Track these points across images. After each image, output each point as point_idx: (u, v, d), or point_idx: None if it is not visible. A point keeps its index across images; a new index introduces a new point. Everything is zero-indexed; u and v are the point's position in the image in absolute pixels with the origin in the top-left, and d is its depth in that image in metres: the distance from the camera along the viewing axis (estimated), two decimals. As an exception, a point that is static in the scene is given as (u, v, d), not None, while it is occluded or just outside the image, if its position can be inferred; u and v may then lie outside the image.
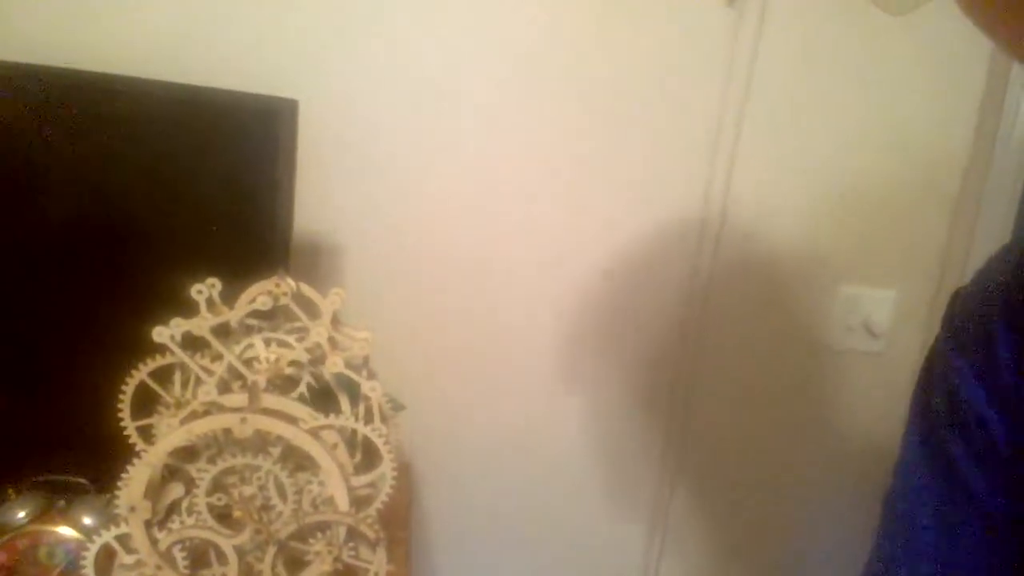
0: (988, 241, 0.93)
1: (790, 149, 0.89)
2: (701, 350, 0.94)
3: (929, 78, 0.88)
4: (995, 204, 0.91)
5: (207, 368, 0.53)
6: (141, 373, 0.57)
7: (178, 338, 0.53)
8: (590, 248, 0.89)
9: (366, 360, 0.57)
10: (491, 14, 0.79)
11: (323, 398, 0.58)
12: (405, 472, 0.90)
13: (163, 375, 0.58)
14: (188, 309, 0.55)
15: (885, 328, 0.95)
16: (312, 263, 0.81)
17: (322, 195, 0.79)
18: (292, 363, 0.54)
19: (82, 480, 0.66)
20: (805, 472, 1.01)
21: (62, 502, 0.65)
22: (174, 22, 0.72)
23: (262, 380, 0.51)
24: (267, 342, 0.54)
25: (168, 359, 0.57)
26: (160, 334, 0.53)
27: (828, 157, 0.89)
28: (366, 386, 0.54)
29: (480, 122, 0.82)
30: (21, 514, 0.63)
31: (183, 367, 0.55)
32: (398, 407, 0.67)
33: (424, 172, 0.82)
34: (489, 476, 0.96)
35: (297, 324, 0.56)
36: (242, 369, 0.52)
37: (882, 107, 0.88)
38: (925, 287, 0.95)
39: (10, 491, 0.65)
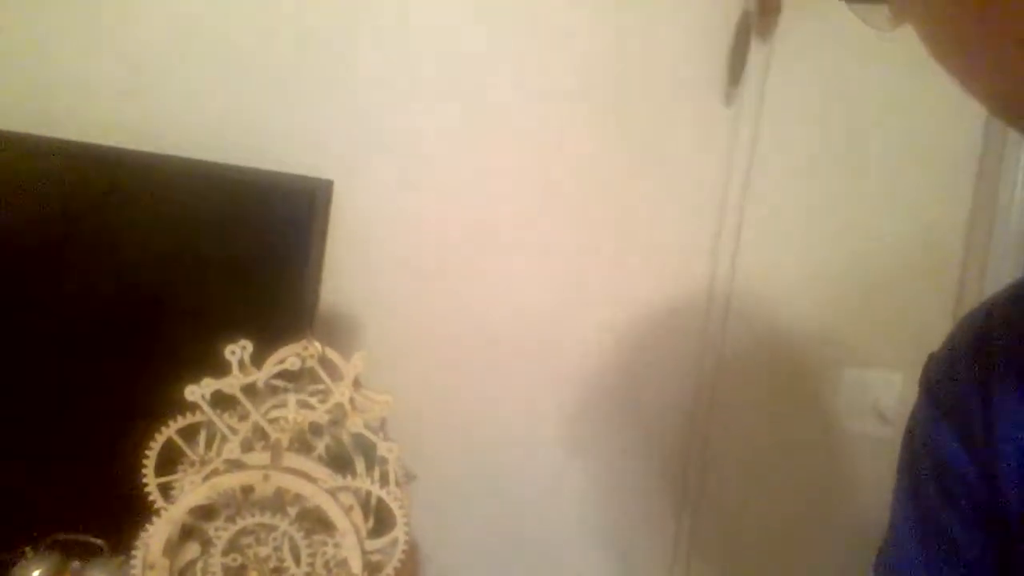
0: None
1: (792, 234, 0.93)
2: (710, 434, 0.95)
3: (923, 159, 0.93)
4: (999, 283, 0.93)
5: (233, 427, 0.56)
6: (170, 430, 0.59)
7: (208, 397, 0.56)
8: (597, 328, 0.91)
9: (384, 423, 0.59)
10: (511, 103, 0.86)
11: (338, 462, 0.60)
12: (413, 549, 0.89)
13: (184, 435, 0.60)
14: (215, 372, 0.58)
15: (893, 411, 0.96)
16: (334, 334, 0.84)
17: (346, 268, 0.83)
18: (312, 424, 0.57)
19: (97, 541, 0.67)
20: (819, 557, 0.98)
21: (77, 563, 0.65)
22: (214, 105, 0.78)
23: (285, 439, 0.54)
24: (288, 402, 0.56)
25: (197, 418, 0.59)
26: (192, 392, 0.56)
27: (830, 241, 0.94)
28: (383, 447, 0.56)
29: (496, 202, 0.87)
30: (36, 574, 0.63)
31: (208, 426, 0.58)
32: (410, 476, 0.69)
33: (441, 251, 0.87)
34: (494, 555, 0.94)
35: (320, 386, 0.59)
36: (267, 428, 0.54)
37: (879, 191, 0.93)
38: (932, 370, 0.96)
39: (27, 551, 0.66)
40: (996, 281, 0.95)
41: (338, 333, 0.85)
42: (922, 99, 0.92)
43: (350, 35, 0.81)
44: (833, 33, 0.90)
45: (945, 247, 0.95)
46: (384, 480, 0.56)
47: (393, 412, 0.58)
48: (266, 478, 0.51)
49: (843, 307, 0.95)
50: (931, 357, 0.42)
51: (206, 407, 0.55)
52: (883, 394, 0.96)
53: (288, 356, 0.57)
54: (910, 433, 0.42)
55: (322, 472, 0.54)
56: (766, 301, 0.94)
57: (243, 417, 0.56)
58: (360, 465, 0.58)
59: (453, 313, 0.88)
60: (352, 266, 0.84)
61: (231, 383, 0.54)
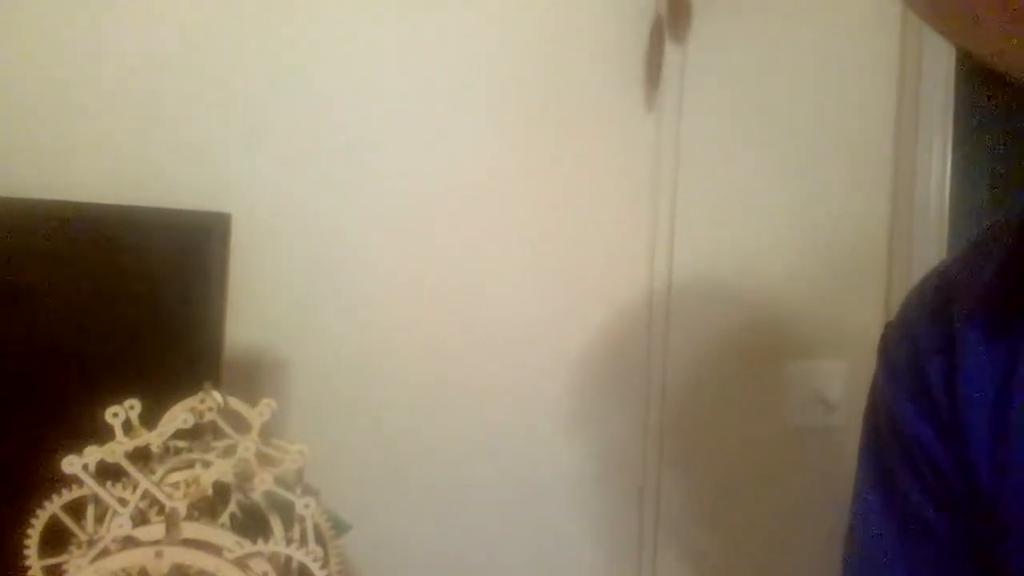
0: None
1: (724, 234, 0.92)
2: (664, 440, 0.92)
3: (841, 152, 0.94)
4: (924, 265, 0.95)
5: (124, 498, 0.49)
6: (54, 506, 0.52)
7: (92, 467, 0.49)
8: (537, 340, 0.88)
9: (300, 475, 0.53)
10: (426, 116, 0.82)
11: (258, 522, 0.54)
12: (361, 599, 0.83)
13: (77, 510, 0.53)
14: (108, 436, 0.52)
15: (838, 399, 0.95)
16: (253, 379, 0.78)
17: (261, 309, 0.77)
18: (219, 485, 0.50)
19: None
20: (779, 541, 0.97)
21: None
22: (102, 140, 0.72)
23: (182, 507, 0.47)
24: (190, 463, 0.50)
25: (84, 491, 0.52)
26: (71, 464, 0.49)
27: (760, 238, 0.93)
28: (299, 504, 0.50)
29: (416, 219, 0.83)
30: None
31: (97, 499, 0.51)
32: (343, 527, 0.63)
33: (362, 282, 0.82)
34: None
35: (225, 442, 0.53)
36: (160, 496, 0.48)
37: (802, 187, 0.93)
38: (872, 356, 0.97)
39: None
40: (922, 262, 0.96)
41: (257, 380, 0.78)
42: (833, 91, 0.93)
43: (244, 61, 0.75)
44: (745, 30, 0.90)
45: (871, 234, 0.96)
46: (303, 540, 0.51)
47: (310, 463, 0.53)
48: (159, 555, 0.45)
49: (780, 301, 0.94)
50: (888, 326, 0.41)
51: (88, 479, 0.48)
52: (827, 383, 0.96)
53: (181, 413, 0.50)
54: (872, 406, 0.41)
55: (228, 539, 0.48)
56: (705, 300, 0.93)
57: (134, 486, 0.49)
58: (277, 525, 0.52)
59: (379, 344, 0.83)
60: (264, 303, 0.78)
61: (114, 450, 0.48)
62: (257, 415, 0.51)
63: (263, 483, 0.49)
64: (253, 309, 0.75)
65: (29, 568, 0.51)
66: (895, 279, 0.96)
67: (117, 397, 0.53)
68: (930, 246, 0.97)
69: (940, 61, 1.01)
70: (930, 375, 0.36)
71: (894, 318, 0.41)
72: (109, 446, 0.48)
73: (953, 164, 1.02)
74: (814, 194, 0.94)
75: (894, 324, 0.41)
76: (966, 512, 0.34)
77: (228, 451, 0.51)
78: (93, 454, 0.49)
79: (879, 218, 0.97)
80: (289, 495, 0.51)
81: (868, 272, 0.97)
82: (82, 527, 0.52)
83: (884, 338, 0.41)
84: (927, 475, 0.36)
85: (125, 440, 0.49)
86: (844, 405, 0.95)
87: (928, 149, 0.98)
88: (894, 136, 0.96)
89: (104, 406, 0.52)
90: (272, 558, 0.50)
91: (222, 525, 0.50)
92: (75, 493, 0.51)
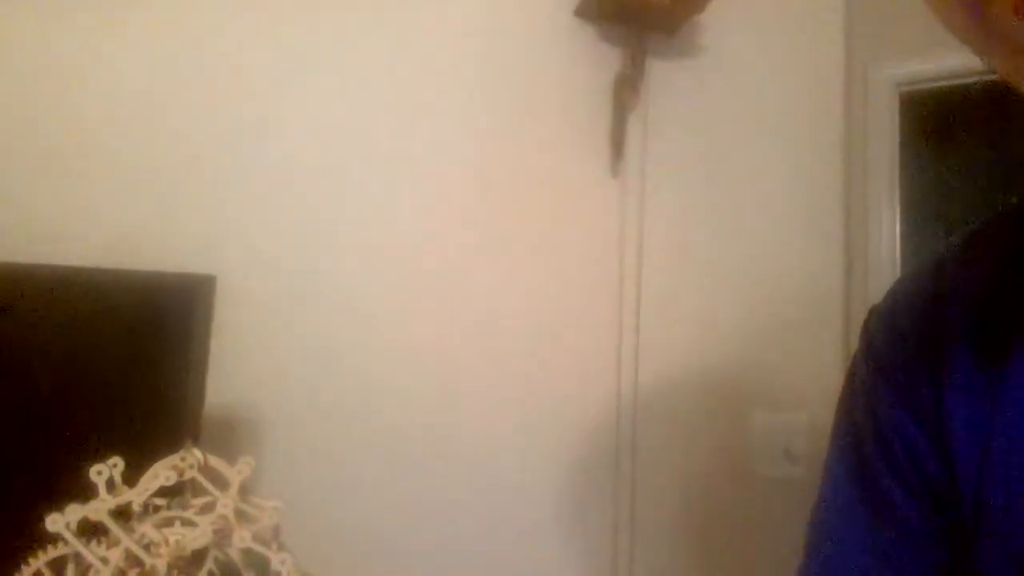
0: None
1: (688, 291, 0.97)
2: (636, 498, 0.95)
3: (795, 213, 1.00)
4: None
5: (105, 557, 0.51)
6: (39, 562, 0.54)
7: (74, 526, 0.51)
8: (512, 410, 0.91)
9: (276, 531, 0.56)
10: (407, 192, 0.87)
11: (233, 577, 0.55)
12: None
13: (59, 567, 0.55)
14: (91, 493, 0.54)
15: (802, 451, 0.98)
16: (229, 436, 0.80)
17: (241, 366, 0.80)
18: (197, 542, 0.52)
19: None
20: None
21: None
22: (87, 204, 0.75)
23: (162, 565, 0.49)
24: (169, 521, 0.52)
25: (67, 548, 0.54)
26: (55, 522, 0.51)
27: (723, 296, 0.98)
28: (275, 560, 0.52)
29: (395, 294, 0.87)
30: None
31: (77, 557, 0.52)
32: (316, 581, 0.64)
33: (341, 343, 0.84)
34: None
35: (205, 499, 0.55)
36: (140, 554, 0.50)
37: (760, 248, 0.99)
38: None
39: None
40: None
41: (234, 438, 0.80)
42: (785, 154, 1.00)
43: (227, 127, 0.80)
44: (701, 100, 0.96)
45: (827, 289, 1.01)
46: (278, 595, 0.52)
47: (285, 520, 0.55)
48: (138, 613, 0.47)
49: (743, 358, 0.98)
50: (872, 313, 0.40)
51: (70, 537, 0.50)
52: (792, 436, 0.99)
53: (164, 471, 0.53)
54: (850, 395, 0.39)
55: (206, 596, 0.50)
56: (671, 355, 0.96)
57: (115, 544, 0.51)
58: (252, 581, 0.54)
59: (357, 402, 0.85)
60: (244, 360, 0.80)
61: (97, 508, 0.50)
62: (236, 473, 0.54)
63: (242, 540, 0.51)
64: (233, 366, 0.78)
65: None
66: (852, 333, 1.01)
67: (100, 455, 0.55)
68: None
69: (886, 119, 1.08)
70: (916, 370, 0.35)
71: (880, 305, 0.40)
72: (92, 504, 0.50)
73: (902, 218, 1.09)
74: (771, 252, 0.99)
75: (881, 314, 0.39)
76: (941, 502, 0.34)
77: (207, 508, 0.53)
78: (76, 512, 0.51)
79: (834, 273, 1.02)
80: (265, 551, 0.53)
81: (826, 328, 1.01)
82: (62, 585, 0.54)
83: (868, 325, 0.40)
84: (904, 465, 0.35)
85: (108, 498, 0.51)
86: (807, 455, 0.98)
87: (877, 205, 1.05)
88: (844, 194, 1.02)
89: (87, 463, 0.54)
90: (247, 614, 0.52)
91: (200, 581, 0.51)
92: (59, 551, 0.53)
